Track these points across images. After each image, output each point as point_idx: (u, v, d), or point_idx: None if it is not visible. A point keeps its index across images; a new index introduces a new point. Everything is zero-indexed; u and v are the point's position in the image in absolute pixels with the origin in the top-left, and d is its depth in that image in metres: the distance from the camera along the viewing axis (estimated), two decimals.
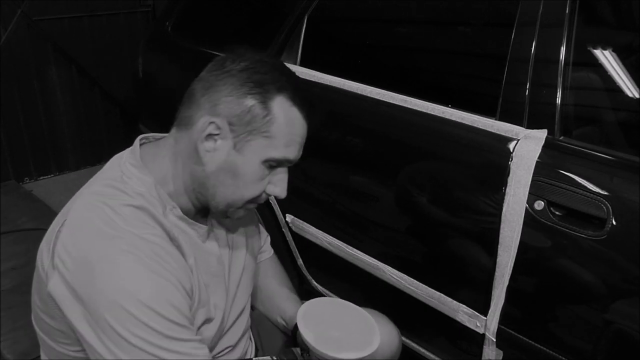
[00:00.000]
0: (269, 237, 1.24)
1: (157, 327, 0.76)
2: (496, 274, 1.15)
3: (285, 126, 0.84)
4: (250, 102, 0.82)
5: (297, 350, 1.05)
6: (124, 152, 0.91)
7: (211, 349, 0.96)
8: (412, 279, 1.36)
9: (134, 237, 0.78)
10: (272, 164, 0.86)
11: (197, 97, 0.85)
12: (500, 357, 1.22)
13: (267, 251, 1.23)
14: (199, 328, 0.89)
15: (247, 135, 0.82)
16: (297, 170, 1.63)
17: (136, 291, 0.75)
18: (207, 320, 0.92)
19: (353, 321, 1.05)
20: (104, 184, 0.84)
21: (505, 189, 1.11)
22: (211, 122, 0.82)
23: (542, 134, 1.11)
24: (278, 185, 0.88)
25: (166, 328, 0.77)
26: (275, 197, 0.90)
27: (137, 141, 0.92)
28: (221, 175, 0.85)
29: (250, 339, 1.13)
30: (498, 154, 1.15)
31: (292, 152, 0.87)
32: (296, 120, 0.85)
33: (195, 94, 0.86)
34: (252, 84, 0.82)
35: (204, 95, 0.84)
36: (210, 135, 0.83)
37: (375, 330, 1.01)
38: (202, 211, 0.94)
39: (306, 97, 0.87)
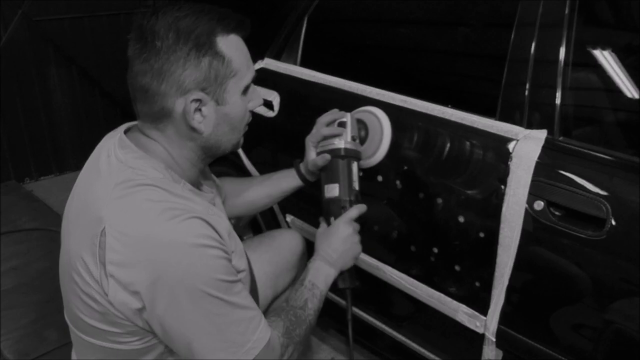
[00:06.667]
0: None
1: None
2: (496, 274, 1.16)
3: (239, 55, 0.92)
4: (206, 60, 0.87)
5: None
6: (110, 148, 0.93)
7: None
8: (412, 279, 1.36)
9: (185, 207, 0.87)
10: (246, 89, 0.95)
11: (154, 89, 0.88)
12: (500, 357, 1.22)
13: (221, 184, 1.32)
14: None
15: (220, 87, 0.90)
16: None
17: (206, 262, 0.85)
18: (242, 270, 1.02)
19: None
20: (123, 187, 0.87)
21: (505, 189, 1.12)
22: (192, 100, 0.88)
23: (541, 134, 1.11)
24: (254, 98, 0.99)
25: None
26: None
27: (122, 135, 0.95)
28: (219, 129, 0.94)
29: None
30: (498, 154, 1.15)
31: (252, 68, 0.96)
32: (239, 43, 0.93)
33: (149, 87, 0.88)
34: (194, 47, 0.86)
35: (161, 84, 0.87)
36: (195, 110, 0.89)
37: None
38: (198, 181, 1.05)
39: (227, 12, 0.91)
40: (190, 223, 0.85)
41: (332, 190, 1.19)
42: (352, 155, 1.20)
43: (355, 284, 1.17)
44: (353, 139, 1.21)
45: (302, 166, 1.29)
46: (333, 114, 1.22)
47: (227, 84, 0.90)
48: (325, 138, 1.20)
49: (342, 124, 1.21)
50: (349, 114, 1.22)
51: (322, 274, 1.10)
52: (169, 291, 0.84)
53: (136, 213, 0.85)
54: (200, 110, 0.90)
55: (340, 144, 1.19)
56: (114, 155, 0.91)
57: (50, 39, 3.00)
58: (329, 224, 1.18)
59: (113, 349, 0.93)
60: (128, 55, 0.90)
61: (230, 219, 1.11)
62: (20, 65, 2.93)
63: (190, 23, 0.86)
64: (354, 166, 1.20)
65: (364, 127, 1.26)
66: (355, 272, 1.18)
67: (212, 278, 0.85)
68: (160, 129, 0.93)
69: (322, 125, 1.22)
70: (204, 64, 0.87)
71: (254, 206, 1.36)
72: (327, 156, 1.18)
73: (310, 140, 1.23)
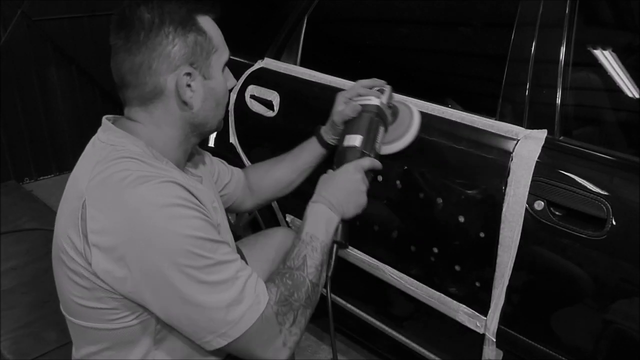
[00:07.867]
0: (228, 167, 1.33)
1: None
2: (496, 274, 1.16)
3: (216, 33, 0.98)
4: (191, 36, 0.93)
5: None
6: (94, 138, 1.00)
7: None
8: (412, 279, 1.36)
9: (161, 177, 0.87)
10: (224, 67, 1.00)
11: (144, 71, 0.93)
12: (500, 357, 1.22)
13: (235, 172, 1.34)
14: None
15: (205, 61, 0.95)
16: None
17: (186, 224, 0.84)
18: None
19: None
20: (103, 162, 0.90)
21: (505, 189, 1.12)
22: (184, 74, 0.92)
23: (542, 134, 1.11)
24: (229, 79, 1.03)
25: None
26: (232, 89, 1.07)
27: (105, 121, 1.01)
28: (206, 104, 0.98)
29: None
30: (498, 154, 1.15)
31: (227, 47, 1.00)
32: (214, 23, 0.99)
33: (139, 70, 0.93)
34: (180, 24, 0.92)
35: (152, 64, 0.92)
36: (186, 85, 0.94)
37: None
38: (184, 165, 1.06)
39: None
40: (165, 185, 0.86)
41: (353, 140, 1.12)
42: (382, 118, 1.18)
43: (347, 245, 1.08)
44: (389, 106, 1.21)
45: (323, 129, 1.28)
46: (374, 80, 1.25)
47: (210, 59, 0.96)
48: (360, 96, 1.20)
49: (380, 92, 1.21)
50: (390, 87, 1.24)
51: (322, 221, 1.03)
52: (152, 253, 0.83)
53: (112, 181, 0.86)
54: (189, 85, 0.94)
55: (376, 101, 1.17)
56: (97, 139, 0.97)
57: (50, 39, 3.00)
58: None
59: (105, 329, 0.93)
60: (111, 44, 0.95)
61: (229, 215, 1.11)
62: (20, 65, 2.93)
63: (173, 5, 0.93)
64: (381, 130, 1.17)
65: (395, 112, 1.25)
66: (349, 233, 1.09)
67: (193, 236, 0.84)
68: (150, 111, 0.96)
69: (360, 85, 1.23)
70: (191, 39, 0.92)
71: (281, 184, 1.34)
72: (358, 107, 1.16)
73: (343, 95, 1.23)
